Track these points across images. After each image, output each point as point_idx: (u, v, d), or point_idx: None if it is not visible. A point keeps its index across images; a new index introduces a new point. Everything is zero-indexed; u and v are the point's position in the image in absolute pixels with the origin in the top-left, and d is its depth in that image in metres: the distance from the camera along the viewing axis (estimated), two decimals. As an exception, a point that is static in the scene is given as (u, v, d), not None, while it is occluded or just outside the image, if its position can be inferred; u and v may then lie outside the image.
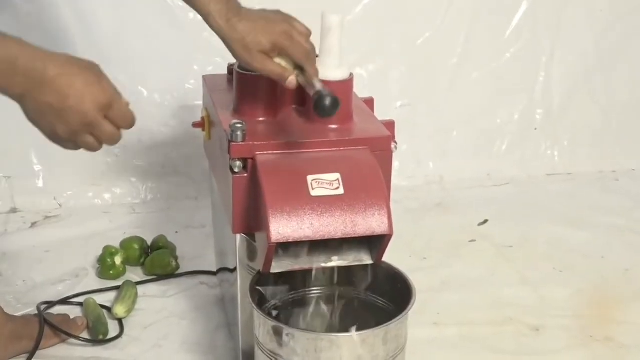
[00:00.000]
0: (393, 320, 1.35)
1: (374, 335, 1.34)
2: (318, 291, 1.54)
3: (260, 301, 1.44)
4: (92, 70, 1.25)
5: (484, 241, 2.19)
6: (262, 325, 1.37)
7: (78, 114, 1.21)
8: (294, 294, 1.53)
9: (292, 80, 1.39)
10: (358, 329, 1.38)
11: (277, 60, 1.41)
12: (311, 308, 1.54)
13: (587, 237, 2.21)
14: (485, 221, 2.29)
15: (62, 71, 1.20)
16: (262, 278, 1.44)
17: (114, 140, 1.28)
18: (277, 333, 1.34)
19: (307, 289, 1.53)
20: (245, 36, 1.38)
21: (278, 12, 1.46)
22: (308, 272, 1.47)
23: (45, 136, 1.25)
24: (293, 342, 1.32)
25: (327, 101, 1.28)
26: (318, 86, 1.33)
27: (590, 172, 2.60)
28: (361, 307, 1.54)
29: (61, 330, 1.72)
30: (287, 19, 1.43)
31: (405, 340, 1.42)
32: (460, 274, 2.03)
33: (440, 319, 1.85)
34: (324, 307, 1.54)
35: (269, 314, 1.40)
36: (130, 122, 1.28)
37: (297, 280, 1.51)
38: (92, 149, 1.27)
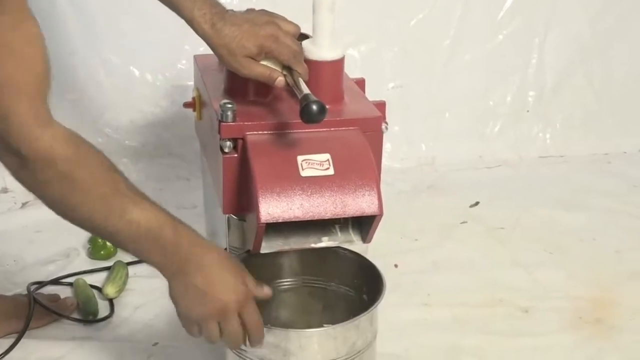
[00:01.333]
0: (356, 317, 1.34)
1: (343, 329, 1.33)
2: (288, 283, 1.55)
3: None
4: (240, 268, 1.32)
5: (476, 223, 2.19)
6: None
7: (219, 302, 1.26)
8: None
9: (280, 80, 1.39)
10: (326, 322, 1.38)
11: (264, 62, 1.40)
12: (279, 300, 1.54)
13: (578, 220, 2.20)
14: (477, 203, 2.29)
15: (217, 262, 1.28)
16: None
17: (235, 340, 1.30)
18: None
19: (276, 281, 1.53)
20: (230, 41, 1.38)
21: (264, 13, 1.45)
22: (278, 264, 1.50)
23: (178, 314, 1.31)
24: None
25: (314, 108, 1.27)
26: (305, 90, 1.33)
27: (583, 155, 2.60)
28: (331, 298, 1.54)
29: (51, 310, 1.72)
30: (272, 19, 1.42)
31: (374, 335, 1.41)
32: (452, 256, 2.03)
33: (430, 300, 1.85)
34: (292, 299, 1.55)
35: None
36: (257, 329, 1.30)
37: (266, 272, 1.51)
38: (211, 338, 1.30)
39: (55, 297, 1.77)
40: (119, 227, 1.22)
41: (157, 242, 1.25)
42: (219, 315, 1.28)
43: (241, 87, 1.50)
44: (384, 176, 1.45)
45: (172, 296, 1.30)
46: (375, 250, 1.52)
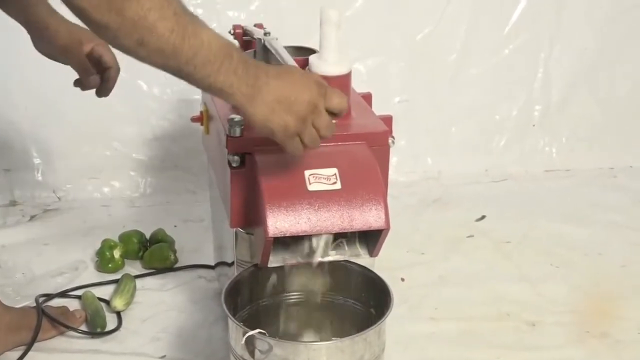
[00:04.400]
0: (365, 331, 1.34)
1: (352, 342, 1.32)
2: (296, 297, 1.55)
3: (234, 309, 1.44)
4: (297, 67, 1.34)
5: (482, 237, 2.19)
6: (235, 332, 1.36)
7: (307, 98, 1.25)
8: (270, 300, 1.53)
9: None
10: (334, 335, 1.38)
11: None
12: (287, 313, 1.55)
13: (584, 234, 2.20)
14: (483, 217, 2.29)
15: (284, 67, 1.31)
16: (237, 284, 1.45)
17: (329, 130, 1.29)
18: (250, 342, 1.33)
19: (283, 294, 1.54)
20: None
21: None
22: (284, 277, 1.49)
23: (277, 135, 1.26)
24: (268, 350, 1.32)
25: None
26: None
27: (589, 169, 2.60)
28: (339, 312, 1.54)
29: (59, 322, 1.72)
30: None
31: (381, 349, 1.40)
32: (458, 270, 2.03)
33: (437, 314, 1.85)
34: (300, 312, 1.55)
35: (244, 322, 1.40)
36: (342, 108, 1.30)
37: (273, 285, 1.52)
38: (313, 142, 1.29)
39: (63, 310, 1.77)
40: (195, 47, 1.16)
41: (230, 59, 1.20)
42: (312, 112, 1.26)
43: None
44: (390, 190, 1.45)
45: (261, 122, 1.24)
46: (381, 264, 1.52)
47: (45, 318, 1.71)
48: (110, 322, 1.78)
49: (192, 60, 1.17)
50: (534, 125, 2.62)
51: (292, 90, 1.24)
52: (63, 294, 1.87)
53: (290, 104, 1.24)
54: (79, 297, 1.87)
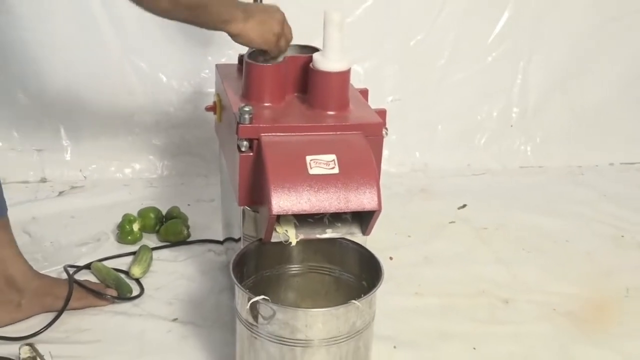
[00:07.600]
0: (358, 300, 1.33)
1: (346, 310, 1.32)
2: (296, 269, 1.55)
3: (241, 278, 1.43)
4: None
5: (463, 223, 2.18)
6: (241, 298, 1.36)
7: (280, 15, 1.50)
8: (273, 271, 1.54)
9: None
10: (330, 304, 1.38)
11: None
12: (288, 283, 1.55)
13: (554, 224, 2.20)
14: (464, 205, 2.28)
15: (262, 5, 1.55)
16: (244, 256, 1.45)
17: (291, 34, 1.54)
18: (255, 307, 1.33)
19: (285, 267, 1.54)
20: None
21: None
22: (287, 252, 1.50)
23: (268, 43, 1.48)
24: (270, 314, 1.32)
25: None
26: None
27: (559, 167, 2.59)
28: (334, 283, 1.55)
29: (89, 289, 1.70)
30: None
31: (372, 317, 1.40)
32: (441, 252, 2.02)
33: (421, 290, 1.85)
34: (299, 283, 1.55)
35: (249, 289, 1.39)
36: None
37: (276, 259, 1.52)
38: (289, 35, 1.52)
39: (99, 286, 1.75)
40: None
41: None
42: (283, 22, 1.49)
43: (257, 93, 1.51)
44: (381, 180, 1.44)
45: (254, 37, 1.46)
46: (372, 244, 1.52)
47: (78, 289, 1.69)
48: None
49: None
50: (511, 126, 2.61)
51: (272, 12, 1.50)
52: (89, 266, 1.86)
53: (272, 18, 1.48)
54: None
